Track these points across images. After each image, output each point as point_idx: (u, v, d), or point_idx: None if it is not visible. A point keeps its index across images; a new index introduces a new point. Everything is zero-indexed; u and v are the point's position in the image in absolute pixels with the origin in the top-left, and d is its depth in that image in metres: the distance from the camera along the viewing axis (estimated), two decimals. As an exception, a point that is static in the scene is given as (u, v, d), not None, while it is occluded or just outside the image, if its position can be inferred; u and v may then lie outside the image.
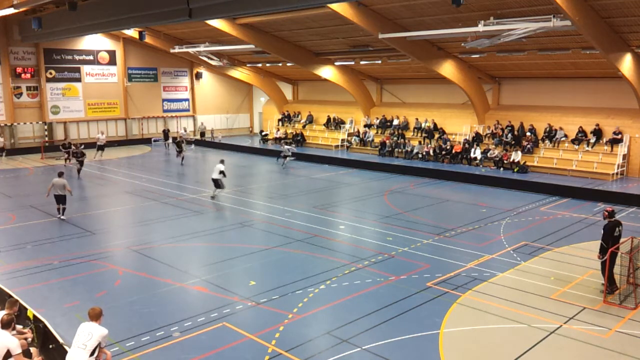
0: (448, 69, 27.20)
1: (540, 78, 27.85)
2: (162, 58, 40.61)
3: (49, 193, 17.83)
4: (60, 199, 17.79)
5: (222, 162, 21.05)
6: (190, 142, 36.94)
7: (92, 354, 7.00)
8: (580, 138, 25.32)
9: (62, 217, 17.76)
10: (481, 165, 27.11)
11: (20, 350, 7.20)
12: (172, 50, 36.90)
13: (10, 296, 9.84)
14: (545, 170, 25.29)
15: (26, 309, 9.44)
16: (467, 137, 29.15)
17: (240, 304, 10.86)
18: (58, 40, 34.07)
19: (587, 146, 24.94)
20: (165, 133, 38.68)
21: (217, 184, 20.71)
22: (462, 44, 23.60)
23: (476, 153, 27.66)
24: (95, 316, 7.36)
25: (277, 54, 32.29)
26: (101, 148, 32.99)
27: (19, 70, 34.41)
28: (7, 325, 7.34)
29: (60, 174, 18.04)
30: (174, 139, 34.67)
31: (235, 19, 29.26)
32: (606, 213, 11.88)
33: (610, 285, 11.28)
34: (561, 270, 12.71)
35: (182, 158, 30.47)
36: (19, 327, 8.54)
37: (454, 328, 9.77)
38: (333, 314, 10.43)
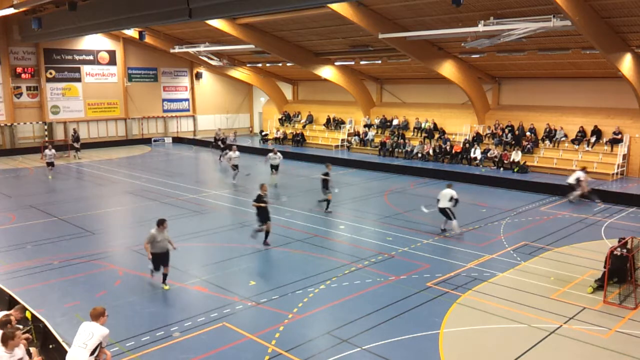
0: (448, 69, 27.19)
1: (540, 78, 27.84)
2: (162, 58, 40.59)
3: (147, 250, 11.57)
4: (160, 259, 11.64)
5: (450, 186, 16.38)
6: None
7: (92, 353, 7.01)
8: (580, 138, 25.32)
9: (164, 285, 11.74)
10: (481, 165, 27.10)
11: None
12: (172, 50, 36.90)
13: (11, 296, 9.86)
14: (545, 170, 25.26)
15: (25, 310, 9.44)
16: (467, 137, 29.14)
17: (240, 304, 10.86)
18: (58, 40, 34.06)
19: (587, 146, 24.92)
20: (223, 141, 32.55)
21: (447, 213, 15.92)
22: (462, 44, 23.59)
23: (476, 153, 27.64)
24: (97, 316, 7.36)
25: (277, 54, 32.29)
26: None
27: (19, 70, 34.40)
28: (3, 325, 7.35)
29: (161, 223, 11.61)
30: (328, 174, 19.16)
31: (235, 19, 29.25)
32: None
33: (618, 282, 11.32)
34: (561, 270, 12.70)
35: (328, 203, 18.78)
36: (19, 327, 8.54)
37: (454, 328, 9.77)
38: (333, 314, 10.43)
